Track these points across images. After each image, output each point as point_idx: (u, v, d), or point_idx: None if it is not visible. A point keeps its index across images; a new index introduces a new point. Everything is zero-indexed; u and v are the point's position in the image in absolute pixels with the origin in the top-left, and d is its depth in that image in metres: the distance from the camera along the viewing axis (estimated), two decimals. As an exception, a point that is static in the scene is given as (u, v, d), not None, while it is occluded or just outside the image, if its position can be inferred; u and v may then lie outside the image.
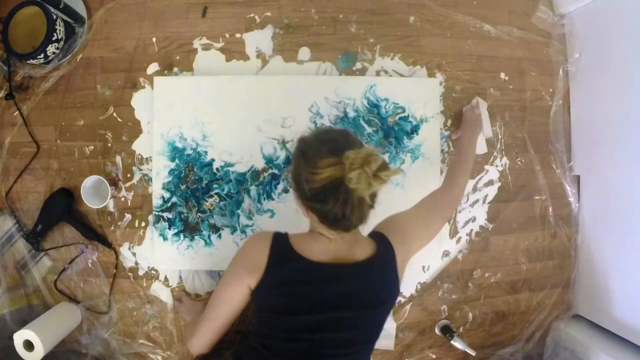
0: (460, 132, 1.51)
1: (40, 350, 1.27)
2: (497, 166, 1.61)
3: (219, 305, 1.05)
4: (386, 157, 1.48)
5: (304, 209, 0.97)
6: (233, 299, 1.02)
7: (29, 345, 1.28)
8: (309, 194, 0.90)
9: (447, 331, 1.53)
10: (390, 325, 1.56)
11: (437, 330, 1.58)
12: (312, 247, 0.98)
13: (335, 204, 0.87)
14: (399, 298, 1.57)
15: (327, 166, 0.84)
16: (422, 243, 1.17)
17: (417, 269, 1.58)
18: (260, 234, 1.07)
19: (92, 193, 1.44)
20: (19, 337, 1.27)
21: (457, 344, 1.47)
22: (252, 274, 0.98)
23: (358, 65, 1.54)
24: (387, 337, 1.56)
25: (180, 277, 1.50)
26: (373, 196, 0.90)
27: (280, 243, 1.01)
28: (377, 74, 1.54)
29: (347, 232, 0.96)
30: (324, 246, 0.98)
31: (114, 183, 1.47)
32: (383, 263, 1.02)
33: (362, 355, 1.04)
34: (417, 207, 1.20)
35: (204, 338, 1.08)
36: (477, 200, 1.60)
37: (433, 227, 1.21)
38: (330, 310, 0.95)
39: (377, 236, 1.06)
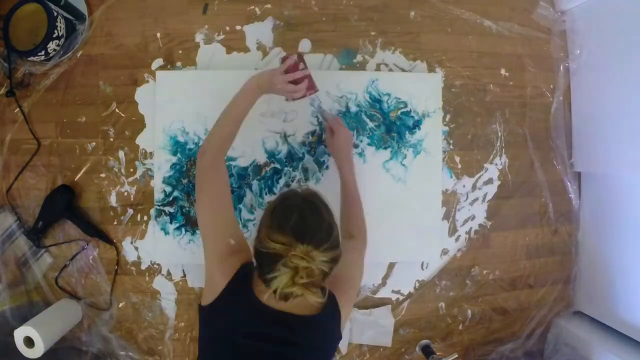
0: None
1: (40, 346, 1.27)
2: (496, 164, 1.61)
3: None
4: (388, 152, 1.48)
5: None
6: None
7: (29, 342, 1.27)
8: (257, 248, 0.91)
9: (427, 351, 1.54)
10: (388, 322, 1.56)
11: (417, 350, 1.58)
12: (266, 288, 0.91)
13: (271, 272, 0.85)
14: (397, 295, 1.58)
15: (278, 242, 0.84)
16: (354, 296, 1.17)
17: (416, 267, 1.58)
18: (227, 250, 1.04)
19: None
20: (19, 334, 1.27)
21: None
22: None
23: (359, 57, 1.54)
24: (385, 333, 1.56)
25: (184, 270, 1.51)
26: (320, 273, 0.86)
27: (243, 275, 0.98)
28: (378, 67, 1.54)
29: None
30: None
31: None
32: (328, 322, 1.00)
33: None
34: (353, 264, 1.18)
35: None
36: (477, 199, 1.60)
37: (358, 282, 1.22)
38: (267, 349, 0.93)
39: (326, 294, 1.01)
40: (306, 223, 0.88)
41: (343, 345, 1.53)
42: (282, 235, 0.84)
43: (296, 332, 0.94)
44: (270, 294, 0.88)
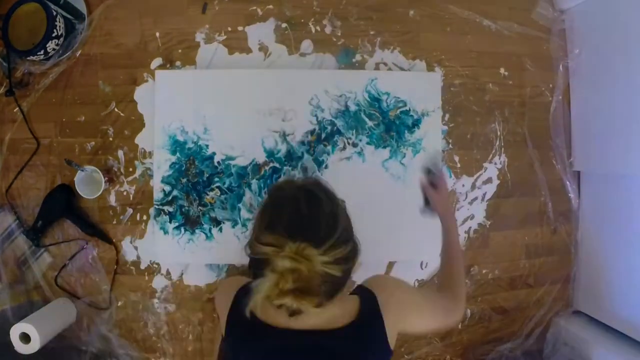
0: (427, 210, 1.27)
1: (36, 342, 1.26)
2: (495, 164, 1.61)
3: None
4: (387, 151, 1.48)
5: None
6: None
7: (25, 338, 1.27)
8: (250, 257, 0.77)
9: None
10: (387, 321, 1.55)
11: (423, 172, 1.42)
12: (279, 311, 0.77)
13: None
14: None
15: (267, 244, 0.70)
16: (416, 321, 0.96)
17: (416, 266, 1.58)
18: (225, 285, 0.93)
19: (87, 182, 1.43)
20: (15, 330, 1.27)
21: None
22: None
23: (358, 57, 1.54)
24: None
25: (182, 270, 1.51)
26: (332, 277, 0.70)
27: (242, 303, 0.76)
28: (377, 66, 1.54)
29: None
30: None
31: (108, 173, 1.46)
32: (367, 328, 0.83)
33: None
34: (418, 290, 1.02)
35: None
36: (476, 198, 1.60)
37: (430, 317, 1.00)
38: None
39: (362, 293, 0.87)
40: (301, 217, 0.74)
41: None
42: (273, 235, 0.71)
43: (329, 352, 0.79)
44: (279, 312, 0.75)
